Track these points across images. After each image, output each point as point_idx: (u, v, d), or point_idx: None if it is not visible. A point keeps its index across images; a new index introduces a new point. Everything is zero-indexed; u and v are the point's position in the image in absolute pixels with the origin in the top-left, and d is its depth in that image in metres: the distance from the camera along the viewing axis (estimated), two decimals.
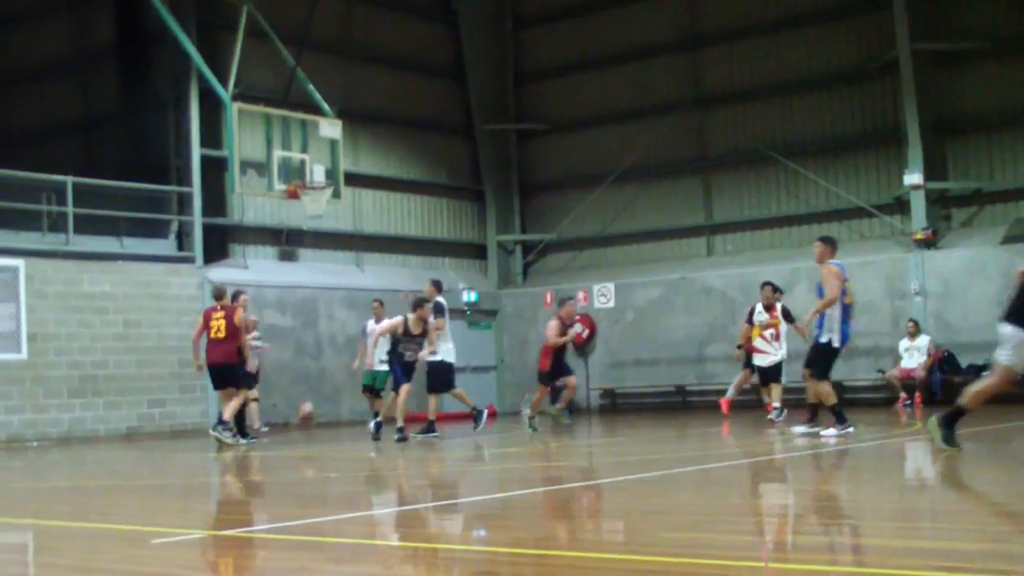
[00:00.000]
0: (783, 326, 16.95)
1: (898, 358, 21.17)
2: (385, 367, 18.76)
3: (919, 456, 11.26)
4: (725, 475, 9.48)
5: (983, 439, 12.14)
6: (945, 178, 22.86)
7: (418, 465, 12.28)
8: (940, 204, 22.96)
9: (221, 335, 15.80)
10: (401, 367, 15.71)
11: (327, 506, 8.29)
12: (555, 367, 17.52)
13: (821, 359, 12.95)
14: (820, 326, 12.80)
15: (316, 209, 20.19)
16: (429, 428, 16.08)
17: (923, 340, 21.03)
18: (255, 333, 18.97)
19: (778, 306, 17.05)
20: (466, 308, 25.71)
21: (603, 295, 25.73)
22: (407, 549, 5.99)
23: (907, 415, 17.94)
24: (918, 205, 22.39)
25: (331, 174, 20.35)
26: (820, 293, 13.01)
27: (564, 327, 17.53)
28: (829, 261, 13.00)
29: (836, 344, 12.79)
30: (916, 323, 21.22)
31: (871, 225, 23.87)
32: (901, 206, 23.14)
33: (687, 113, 26.08)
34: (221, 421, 15.64)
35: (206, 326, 15.98)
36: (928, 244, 22.20)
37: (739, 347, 17.86)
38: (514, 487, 9.38)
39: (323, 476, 11.11)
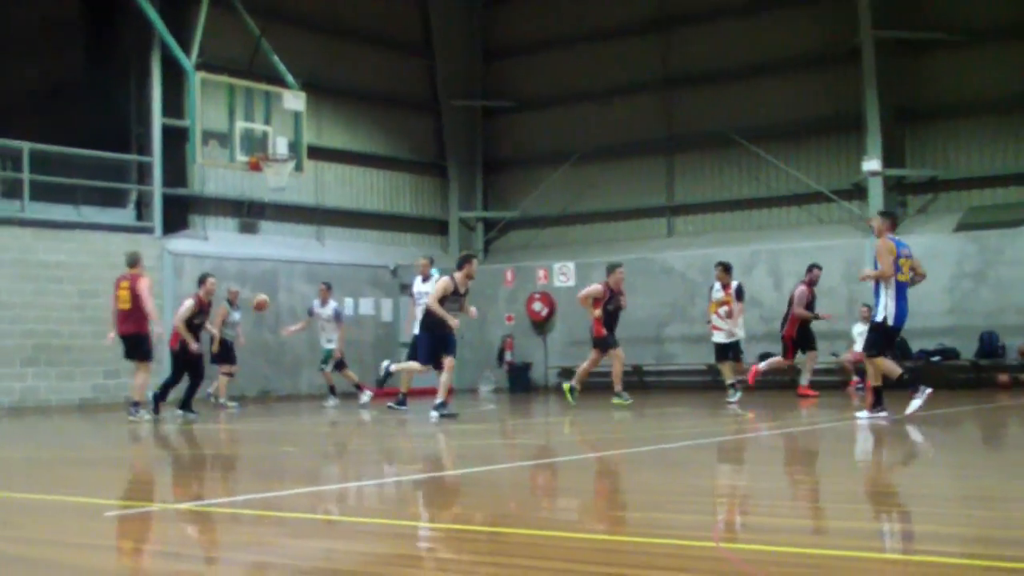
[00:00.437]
0: (737, 305, 17.31)
1: (851, 342, 21.32)
2: (332, 345, 19.27)
3: (869, 439, 11.34)
4: (682, 455, 9.52)
5: (934, 423, 12.26)
6: (903, 165, 23.04)
7: (376, 440, 12.25)
8: (897, 191, 23.14)
9: (126, 306, 15.26)
10: (442, 337, 14.60)
11: (285, 480, 8.25)
12: (611, 333, 16.72)
13: (875, 337, 12.62)
14: (876, 305, 12.51)
15: (278, 182, 20.06)
16: (402, 402, 15.97)
17: None
18: (231, 311, 19.09)
19: (733, 284, 17.36)
20: None
21: (563, 273, 25.74)
22: (363, 524, 5.96)
23: (859, 398, 18.08)
24: (876, 191, 22.56)
25: (294, 147, 20.21)
26: (875, 266, 12.67)
27: (611, 295, 16.60)
28: (887, 236, 12.54)
29: (891, 323, 12.39)
30: (870, 308, 21.30)
31: (829, 210, 24.02)
32: (859, 192, 23.30)
33: (653, 94, 26.11)
34: (134, 404, 15.48)
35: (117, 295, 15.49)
36: None
37: (708, 321, 18.14)
38: (471, 464, 9.36)
39: (280, 450, 11.06)
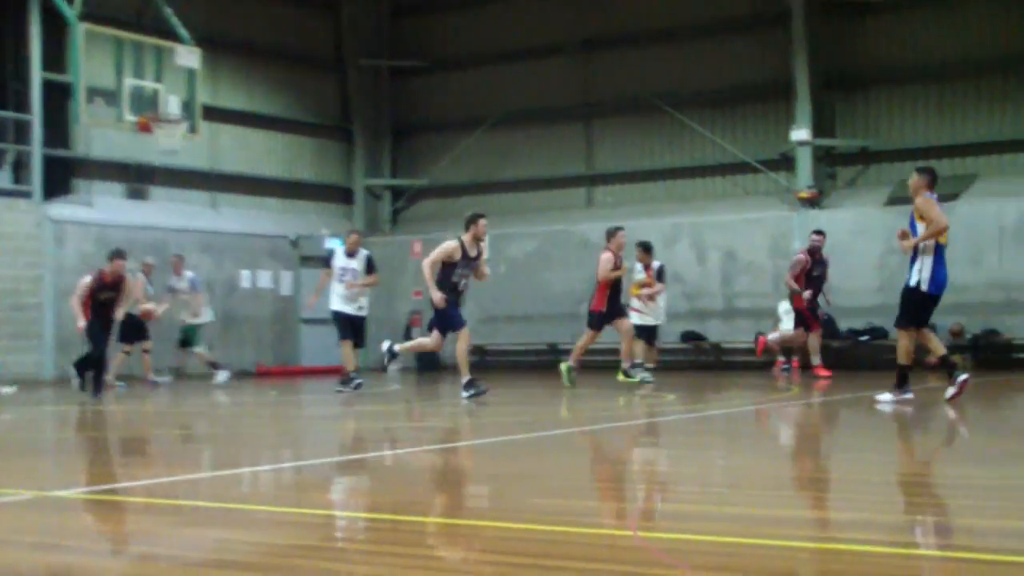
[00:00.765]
0: (659, 286, 17.45)
1: (776, 320, 21.58)
2: (199, 320, 19.32)
3: (795, 422, 11.52)
4: (599, 439, 9.58)
5: (859, 406, 12.48)
6: (832, 135, 23.36)
7: (274, 423, 12.16)
8: (826, 162, 23.47)
9: None
10: (451, 307, 13.80)
11: (175, 465, 8.15)
12: (611, 307, 16.11)
13: (907, 304, 11.88)
14: (911, 267, 11.79)
15: (170, 144, 19.79)
16: (349, 380, 15.77)
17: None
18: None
19: (654, 265, 17.48)
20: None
21: None
22: (259, 512, 5.90)
23: (784, 379, 18.35)
24: (804, 162, 22.84)
25: (187, 107, 19.93)
26: (914, 229, 11.74)
27: (617, 261, 15.97)
28: (926, 193, 11.74)
29: (925, 288, 11.66)
30: None
31: (756, 181, 24.29)
32: (787, 162, 23.58)
33: (572, 56, 26.12)
34: None
35: None
36: (813, 203, 22.68)
37: (626, 304, 18.30)
38: (374, 448, 9.34)
39: (169, 433, 10.92)
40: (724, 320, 23.18)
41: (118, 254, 15.89)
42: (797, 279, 17.89)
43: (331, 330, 16.36)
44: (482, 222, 14.08)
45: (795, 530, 5.08)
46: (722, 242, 23.25)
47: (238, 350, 24.06)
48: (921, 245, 11.65)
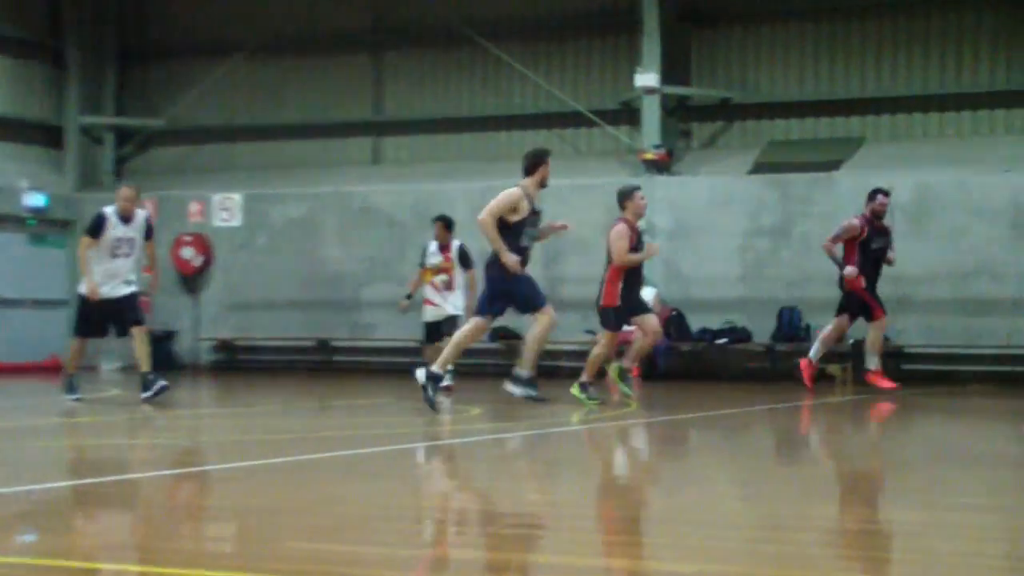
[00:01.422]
0: (460, 272, 17.44)
1: None
2: None
3: (633, 445, 11.68)
4: (380, 465, 9.54)
5: (716, 427, 12.73)
6: (687, 82, 23.72)
7: None
8: (679, 115, 23.83)
9: None
10: (515, 279, 13.55)
11: None
12: (628, 300, 15.30)
13: None
14: None
15: None
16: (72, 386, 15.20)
17: (647, 294, 21.80)
18: None
19: (454, 245, 17.49)
20: (28, 215, 24.85)
21: (225, 209, 25.44)
22: None
23: (620, 391, 18.61)
24: (651, 115, 23.10)
25: None
26: None
27: (635, 235, 15.18)
28: None
29: None
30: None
31: (590, 137, 24.56)
32: (629, 114, 23.86)
33: None
34: None
35: None
36: (661, 167, 22.98)
37: (408, 296, 18.28)
38: (81, 474, 9.13)
39: None
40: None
41: None
42: (837, 241, 17.10)
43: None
44: (549, 161, 13.94)
45: None
46: (545, 213, 23.38)
47: None
48: None
